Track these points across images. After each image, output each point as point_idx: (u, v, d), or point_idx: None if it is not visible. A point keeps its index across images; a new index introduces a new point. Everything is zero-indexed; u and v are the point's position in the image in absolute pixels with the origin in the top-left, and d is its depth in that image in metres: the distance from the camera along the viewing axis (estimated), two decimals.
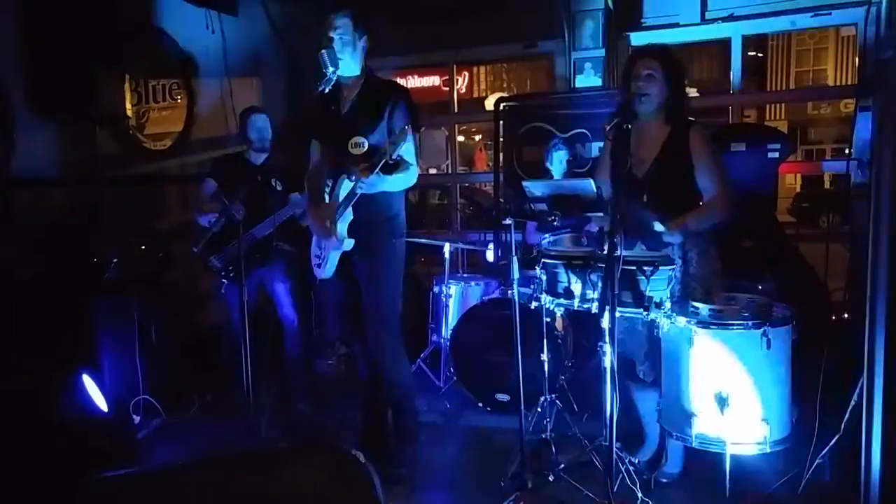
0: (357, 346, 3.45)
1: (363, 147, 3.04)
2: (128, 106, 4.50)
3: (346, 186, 3.01)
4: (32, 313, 3.57)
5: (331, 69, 2.93)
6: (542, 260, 2.83)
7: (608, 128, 2.73)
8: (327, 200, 3.14)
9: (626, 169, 2.68)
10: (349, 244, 3.10)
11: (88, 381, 3.39)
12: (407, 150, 3.03)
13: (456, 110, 6.52)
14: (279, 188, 3.96)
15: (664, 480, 3.02)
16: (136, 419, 3.81)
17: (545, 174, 4.59)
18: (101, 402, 3.41)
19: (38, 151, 3.92)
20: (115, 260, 3.84)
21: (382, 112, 3.04)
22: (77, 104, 4.00)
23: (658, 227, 2.69)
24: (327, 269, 3.18)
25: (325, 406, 4.19)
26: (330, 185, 3.15)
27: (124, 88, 4.44)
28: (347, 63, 3.02)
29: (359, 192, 2.97)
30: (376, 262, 3.16)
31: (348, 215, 3.06)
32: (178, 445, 3.73)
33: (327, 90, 2.99)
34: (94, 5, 3.92)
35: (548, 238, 3.02)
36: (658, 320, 2.64)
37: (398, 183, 3.07)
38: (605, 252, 2.41)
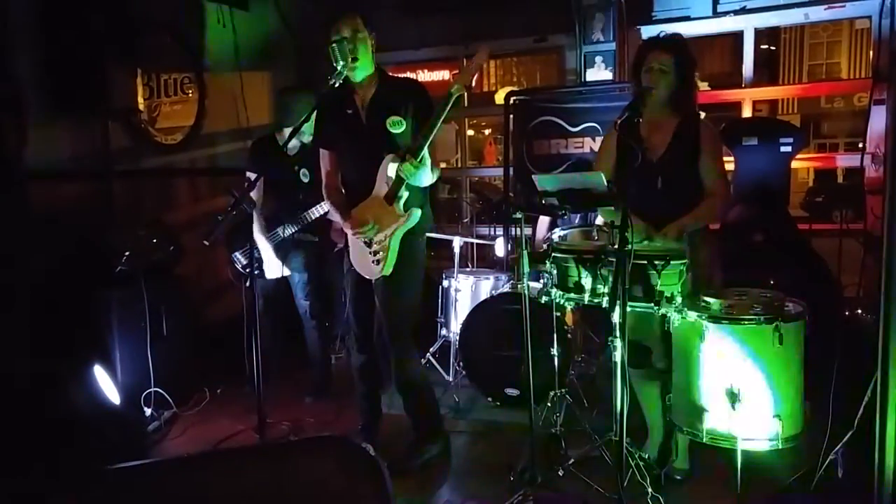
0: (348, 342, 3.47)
1: (402, 125, 3.00)
2: (140, 100, 4.52)
3: (391, 168, 2.97)
4: (45, 305, 3.59)
5: (341, 63, 2.89)
6: (553, 254, 2.83)
7: (618, 121, 2.72)
8: (372, 194, 3.06)
9: (637, 162, 2.67)
10: (417, 214, 3.04)
11: (100, 373, 3.42)
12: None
13: (466, 104, 6.50)
14: (306, 179, 3.87)
15: (676, 477, 3.01)
16: (147, 412, 3.83)
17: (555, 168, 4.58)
18: (112, 395, 3.44)
19: (51, 145, 3.96)
20: (126, 253, 3.86)
21: (401, 111, 3.00)
22: (90, 99, 4.03)
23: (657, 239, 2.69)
24: (389, 258, 3.06)
25: (335, 399, 4.20)
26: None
27: (136, 83, 4.46)
28: (363, 64, 2.99)
29: (407, 178, 2.91)
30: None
31: (403, 192, 3.01)
32: (189, 438, 3.75)
33: (338, 84, 2.97)
34: (107, 1, 3.94)
35: (558, 232, 3.00)
36: (669, 315, 2.63)
37: (428, 177, 3.03)
38: (616, 246, 2.41)
